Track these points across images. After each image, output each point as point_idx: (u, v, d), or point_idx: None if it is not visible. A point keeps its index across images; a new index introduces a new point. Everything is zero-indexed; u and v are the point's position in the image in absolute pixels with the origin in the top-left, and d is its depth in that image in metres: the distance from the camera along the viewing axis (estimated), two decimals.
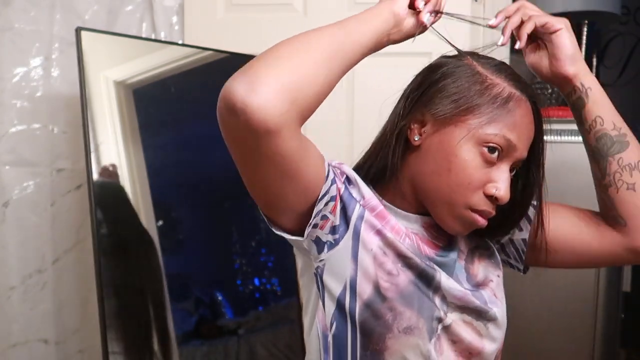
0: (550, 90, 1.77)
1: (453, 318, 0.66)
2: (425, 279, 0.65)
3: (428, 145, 0.66)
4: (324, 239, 0.64)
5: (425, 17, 0.69)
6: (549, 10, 1.70)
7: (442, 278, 0.65)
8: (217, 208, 1.39)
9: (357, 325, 0.64)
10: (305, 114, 0.57)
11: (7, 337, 1.51)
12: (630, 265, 1.58)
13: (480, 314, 0.67)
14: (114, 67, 1.22)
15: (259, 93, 0.52)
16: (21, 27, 1.49)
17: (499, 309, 0.69)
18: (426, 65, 0.73)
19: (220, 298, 1.35)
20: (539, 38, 0.72)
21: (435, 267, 0.66)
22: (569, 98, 0.72)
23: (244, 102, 0.52)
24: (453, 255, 0.71)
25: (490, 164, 0.63)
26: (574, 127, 1.68)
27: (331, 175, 0.64)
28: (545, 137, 0.68)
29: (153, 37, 1.58)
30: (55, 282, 1.55)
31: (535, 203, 0.72)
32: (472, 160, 0.63)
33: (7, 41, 1.47)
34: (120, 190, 1.21)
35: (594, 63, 1.85)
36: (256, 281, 1.41)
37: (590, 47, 1.79)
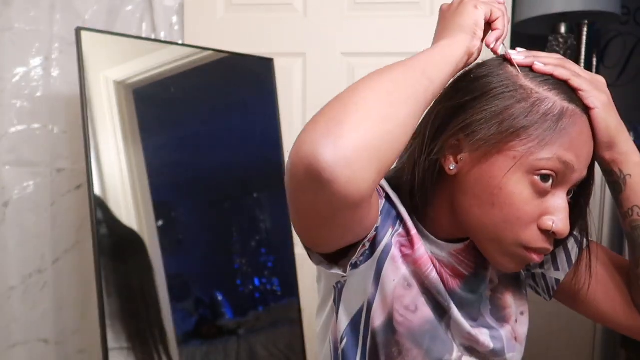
0: None
1: None
2: (445, 321, 0.61)
3: (466, 174, 0.57)
4: (352, 261, 0.59)
5: (500, 49, 0.60)
6: (549, 11, 1.71)
7: (460, 319, 0.61)
8: (217, 208, 1.39)
9: (366, 348, 0.61)
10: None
11: (7, 337, 1.51)
12: None
13: (495, 355, 0.64)
14: (114, 67, 1.22)
15: (351, 165, 0.43)
16: (21, 27, 1.49)
17: (515, 353, 0.65)
18: (456, 77, 0.59)
19: (220, 298, 1.35)
20: None
21: (452, 306, 0.61)
22: (606, 177, 0.64)
23: (333, 174, 0.43)
24: (483, 288, 0.65)
25: (543, 194, 0.55)
26: None
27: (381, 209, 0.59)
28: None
29: (153, 37, 1.58)
30: (55, 282, 1.55)
31: (581, 241, 0.67)
32: (520, 194, 0.54)
33: (7, 41, 1.47)
34: (121, 190, 1.21)
35: (594, 63, 1.84)
36: (256, 281, 1.41)
37: (590, 47, 1.79)
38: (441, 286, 0.61)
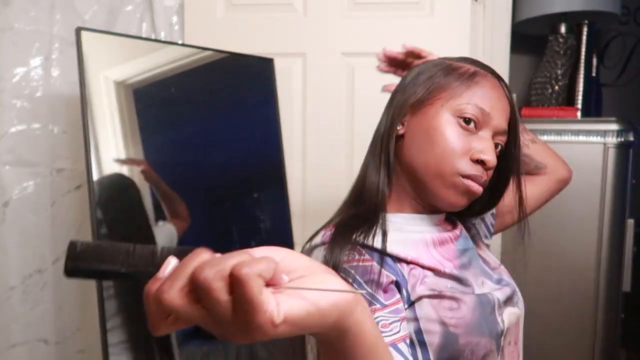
0: (550, 90, 1.76)
1: (506, 321, 0.69)
2: (484, 299, 0.67)
3: (411, 130, 0.71)
4: None
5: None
6: (549, 11, 1.71)
7: (490, 291, 0.69)
8: (217, 208, 1.39)
9: None
10: None
11: (7, 337, 1.51)
12: (631, 265, 1.58)
13: (512, 299, 0.73)
14: (114, 67, 1.22)
15: None
16: (21, 27, 1.49)
17: (517, 288, 0.77)
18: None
19: None
20: None
21: (473, 284, 0.69)
22: None
23: None
24: (471, 245, 0.76)
25: (469, 132, 0.68)
26: (574, 127, 1.67)
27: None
28: (517, 117, 0.74)
29: (153, 37, 1.58)
30: (55, 282, 1.55)
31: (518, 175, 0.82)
32: (451, 129, 0.67)
33: (7, 41, 1.47)
34: (121, 190, 1.21)
35: (594, 63, 1.84)
36: None
37: (590, 47, 1.79)
38: (451, 273, 0.68)
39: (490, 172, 0.69)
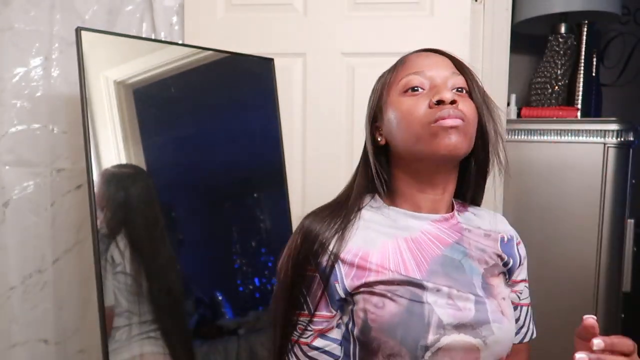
0: (550, 90, 1.76)
1: (445, 342, 0.68)
2: (419, 306, 0.70)
3: (386, 132, 0.79)
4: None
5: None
6: (549, 11, 1.70)
7: (435, 307, 0.70)
8: (217, 208, 1.39)
9: (357, 345, 0.74)
10: None
11: (7, 337, 1.51)
12: (631, 265, 1.58)
13: (477, 330, 0.70)
14: (114, 67, 1.22)
15: None
16: (21, 27, 1.49)
17: (502, 325, 0.72)
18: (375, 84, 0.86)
19: (220, 298, 1.35)
20: None
21: (427, 285, 0.71)
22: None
23: None
24: (470, 261, 0.77)
25: (418, 93, 0.74)
26: (574, 127, 1.68)
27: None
28: (473, 75, 0.79)
29: (153, 37, 1.58)
30: (55, 282, 1.55)
31: (529, 333, 0.93)
32: (402, 102, 0.75)
33: (7, 41, 1.47)
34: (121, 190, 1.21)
35: (594, 63, 1.84)
36: (256, 281, 1.41)
37: (590, 47, 1.79)
38: (407, 273, 0.72)
39: (463, 108, 0.72)
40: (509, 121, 1.65)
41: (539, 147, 1.61)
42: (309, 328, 0.73)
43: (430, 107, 0.72)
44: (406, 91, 0.75)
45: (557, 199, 1.60)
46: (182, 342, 1.25)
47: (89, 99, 1.16)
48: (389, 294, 0.70)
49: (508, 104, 1.68)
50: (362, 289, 0.72)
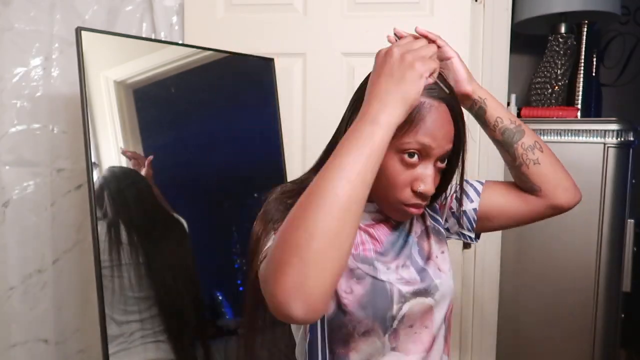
0: (550, 90, 1.76)
1: (406, 308, 0.77)
2: (380, 284, 0.77)
3: None
4: None
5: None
6: (549, 11, 1.70)
7: (392, 279, 0.78)
8: (217, 208, 1.39)
9: (326, 334, 0.77)
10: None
11: (7, 337, 1.51)
12: (630, 265, 1.58)
13: (428, 291, 0.80)
14: (114, 67, 1.22)
15: (318, 310, 0.56)
16: (21, 27, 1.49)
17: (442, 280, 0.83)
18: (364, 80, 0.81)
19: (220, 298, 1.35)
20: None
21: (378, 266, 0.78)
22: (471, 110, 0.85)
23: (305, 320, 0.56)
24: (409, 233, 0.85)
25: (412, 166, 0.74)
26: (574, 127, 1.67)
27: None
28: (464, 127, 0.78)
29: (153, 37, 1.59)
30: (55, 282, 1.55)
31: (483, 182, 0.90)
32: (394, 167, 0.74)
33: (7, 41, 1.47)
34: (121, 190, 1.21)
35: (594, 63, 1.84)
36: None
37: (590, 47, 1.79)
38: (364, 255, 0.78)
39: (432, 189, 0.76)
40: None
41: None
42: None
43: (411, 188, 0.75)
44: (404, 152, 0.73)
45: None
46: (182, 342, 1.25)
47: (89, 99, 1.16)
48: (354, 279, 0.76)
49: (508, 104, 1.68)
50: None
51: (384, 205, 0.79)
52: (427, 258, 0.85)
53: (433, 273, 0.83)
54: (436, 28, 1.65)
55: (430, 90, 0.73)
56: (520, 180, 0.88)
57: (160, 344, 1.20)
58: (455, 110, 0.75)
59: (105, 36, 1.21)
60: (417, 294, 0.79)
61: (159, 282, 1.22)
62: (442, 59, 0.81)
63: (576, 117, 1.67)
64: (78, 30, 1.14)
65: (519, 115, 1.75)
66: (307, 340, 0.79)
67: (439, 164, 0.76)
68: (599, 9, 1.67)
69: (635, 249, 1.59)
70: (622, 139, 1.53)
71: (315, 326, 0.77)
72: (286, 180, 1.48)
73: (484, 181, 0.91)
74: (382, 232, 0.83)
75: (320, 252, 0.55)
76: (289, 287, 0.55)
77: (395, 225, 0.85)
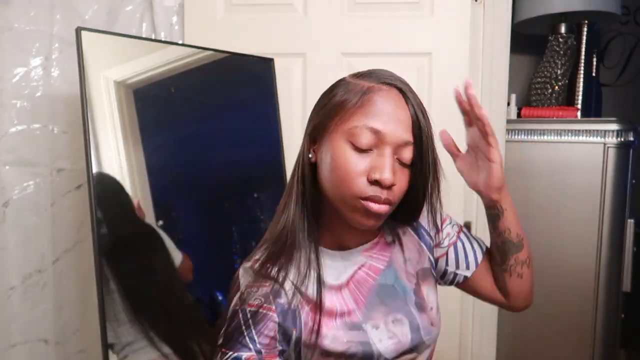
0: (550, 90, 1.77)
1: None
2: (366, 347, 0.73)
3: (318, 158, 0.73)
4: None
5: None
6: (549, 11, 1.70)
7: (383, 338, 0.74)
8: (217, 208, 1.39)
9: None
10: None
11: (7, 337, 1.51)
12: (631, 266, 1.58)
13: (415, 349, 0.77)
14: (114, 67, 1.22)
15: None
16: (21, 27, 1.49)
17: (431, 336, 0.80)
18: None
19: (220, 298, 1.35)
20: (477, 152, 0.78)
21: (370, 329, 0.74)
22: (488, 209, 0.82)
23: None
24: (402, 279, 0.80)
25: (364, 152, 0.68)
26: (574, 127, 1.67)
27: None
28: (427, 121, 0.71)
29: (153, 37, 1.58)
30: (55, 282, 1.55)
31: (484, 248, 0.89)
32: (344, 155, 0.68)
33: (7, 41, 1.47)
34: (121, 190, 1.21)
35: (594, 63, 1.84)
36: None
37: (590, 47, 1.79)
38: (352, 322, 0.74)
39: (396, 189, 0.69)
40: (509, 121, 1.65)
41: (539, 147, 1.61)
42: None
43: (367, 179, 0.68)
44: (353, 139, 0.68)
45: (557, 199, 1.60)
46: (182, 342, 1.25)
47: (89, 99, 1.16)
48: (340, 332, 0.73)
49: (508, 104, 1.68)
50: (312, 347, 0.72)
51: (345, 210, 0.70)
52: (422, 309, 0.80)
53: (424, 329, 0.79)
54: (436, 28, 1.66)
55: (386, 78, 0.70)
56: (497, 280, 0.87)
57: (160, 343, 1.20)
58: (411, 98, 0.69)
59: (105, 36, 1.21)
60: (403, 353, 0.76)
61: (159, 282, 1.22)
62: (486, 158, 0.75)
63: (576, 117, 1.67)
64: (78, 30, 1.14)
65: (518, 115, 1.75)
66: None
67: (403, 157, 0.69)
68: (599, 9, 1.67)
69: (635, 249, 1.59)
70: (622, 139, 1.53)
71: None
72: (286, 180, 1.48)
73: (484, 249, 0.89)
74: (371, 272, 0.78)
75: None
76: None
77: (385, 263, 0.79)
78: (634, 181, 1.60)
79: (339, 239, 0.77)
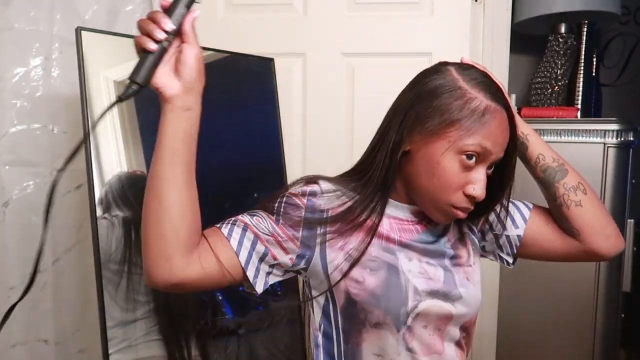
0: (550, 90, 1.76)
1: (422, 307, 0.76)
2: (396, 277, 0.76)
3: (417, 154, 0.76)
4: (295, 268, 0.78)
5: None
6: (549, 11, 1.70)
7: (414, 271, 0.78)
8: (217, 208, 1.39)
9: (340, 325, 0.79)
10: (188, 242, 0.71)
11: (7, 337, 1.51)
12: (630, 266, 1.58)
13: (448, 296, 0.78)
14: (114, 67, 1.22)
15: (155, 279, 0.69)
16: (21, 27, 1.49)
17: (468, 289, 0.81)
18: (414, 79, 0.80)
19: (220, 298, 1.35)
20: None
21: (400, 256, 0.78)
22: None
23: (157, 280, 0.69)
24: (442, 238, 0.83)
25: (468, 168, 0.74)
26: (574, 127, 1.67)
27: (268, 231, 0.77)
28: (517, 139, 0.79)
29: None
30: (55, 282, 1.55)
31: (530, 206, 0.89)
32: (451, 167, 0.73)
33: (7, 41, 1.47)
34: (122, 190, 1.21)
35: (594, 63, 1.84)
36: None
37: (590, 47, 1.79)
38: (389, 245, 0.78)
39: (480, 195, 0.75)
40: None
41: None
42: (265, 229, 0.76)
43: (463, 192, 0.74)
44: (464, 154, 0.73)
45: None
46: (182, 342, 1.25)
47: (89, 99, 1.16)
48: (367, 269, 0.76)
49: None
50: (341, 258, 0.76)
51: (429, 207, 0.77)
52: (457, 264, 0.83)
53: (459, 280, 0.81)
54: (436, 28, 1.66)
55: (496, 96, 0.74)
56: (559, 220, 0.86)
57: (160, 343, 1.20)
58: (512, 120, 0.76)
59: (105, 36, 1.21)
60: (435, 294, 0.78)
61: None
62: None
63: (576, 117, 1.67)
64: (78, 30, 1.14)
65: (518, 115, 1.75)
66: (321, 331, 0.81)
67: (490, 171, 0.76)
68: (599, 9, 1.66)
69: (635, 249, 1.59)
70: (622, 139, 1.53)
71: (329, 316, 0.79)
72: (286, 180, 1.48)
73: (531, 205, 0.89)
74: (415, 229, 0.82)
75: (148, 220, 0.68)
76: (148, 255, 0.68)
77: (430, 228, 0.83)
78: (634, 181, 1.60)
79: (397, 196, 0.82)
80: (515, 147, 0.78)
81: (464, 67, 0.77)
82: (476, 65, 0.81)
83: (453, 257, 0.83)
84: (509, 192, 0.81)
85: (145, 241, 0.68)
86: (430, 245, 0.81)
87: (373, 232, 0.77)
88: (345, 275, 0.76)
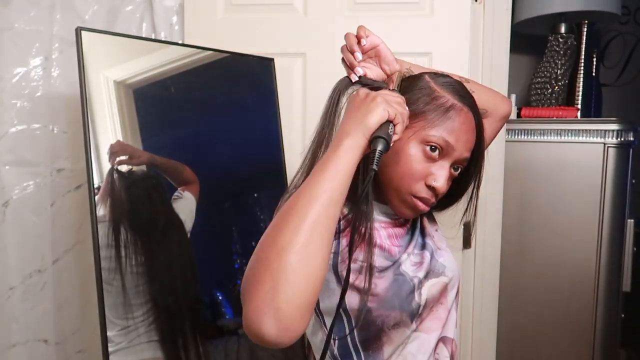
0: (550, 90, 1.77)
1: (426, 292, 0.80)
2: (400, 278, 0.79)
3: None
4: None
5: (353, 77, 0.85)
6: (548, 11, 1.70)
7: (408, 269, 0.80)
8: (217, 208, 1.39)
9: (355, 334, 0.78)
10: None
11: (7, 337, 1.51)
12: (630, 266, 1.58)
13: (435, 271, 0.83)
14: (114, 67, 1.22)
15: (291, 329, 0.58)
16: (21, 27, 1.49)
17: (444, 258, 0.86)
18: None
19: (220, 298, 1.35)
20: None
21: (401, 257, 0.81)
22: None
23: (276, 342, 0.59)
24: (419, 229, 0.89)
25: (431, 159, 0.78)
26: (574, 127, 1.67)
27: None
28: (483, 141, 0.84)
29: (153, 37, 1.59)
30: (55, 282, 1.55)
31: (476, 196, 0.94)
32: (415, 155, 0.78)
33: (7, 41, 1.47)
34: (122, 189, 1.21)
35: (594, 63, 1.84)
36: None
37: (590, 47, 1.79)
38: (388, 247, 0.82)
39: (440, 194, 0.80)
40: (509, 121, 1.64)
41: (539, 147, 1.61)
42: None
43: (424, 182, 0.78)
44: (427, 144, 0.77)
45: (557, 198, 1.60)
46: (182, 342, 1.25)
47: (89, 99, 1.16)
48: (377, 274, 0.79)
49: None
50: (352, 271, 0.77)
51: (394, 198, 0.81)
52: (426, 234, 0.90)
53: (435, 252, 0.87)
54: (436, 28, 1.66)
55: (464, 99, 0.79)
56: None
57: (160, 343, 1.20)
58: (478, 123, 0.81)
59: (105, 36, 1.21)
60: (428, 275, 0.82)
61: (159, 282, 1.22)
62: (372, 46, 0.83)
63: (576, 117, 1.67)
64: (78, 30, 1.14)
65: (518, 115, 1.75)
66: (336, 344, 0.80)
67: (452, 172, 0.80)
68: (599, 9, 1.67)
69: (635, 249, 1.59)
70: (622, 139, 1.53)
71: (343, 329, 0.79)
72: (286, 180, 1.48)
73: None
74: (398, 232, 0.87)
75: (290, 266, 0.57)
76: (260, 304, 0.57)
77: (408, 227, 0.89)
78: (633, 181, 1.60)
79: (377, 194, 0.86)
80: (481, 154, 0.84)
81: (438, 74, 0.84)
82: (452, 75, 0.86)
83: (422, 232, 0.89)
84: (477, 187, 0.87)
85: (292, 286, 0.57)
86: (410, 239, 0.87)
87: (370, 242, 0.78)
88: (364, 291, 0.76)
